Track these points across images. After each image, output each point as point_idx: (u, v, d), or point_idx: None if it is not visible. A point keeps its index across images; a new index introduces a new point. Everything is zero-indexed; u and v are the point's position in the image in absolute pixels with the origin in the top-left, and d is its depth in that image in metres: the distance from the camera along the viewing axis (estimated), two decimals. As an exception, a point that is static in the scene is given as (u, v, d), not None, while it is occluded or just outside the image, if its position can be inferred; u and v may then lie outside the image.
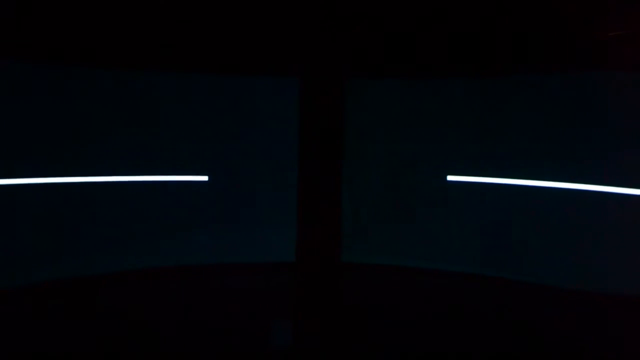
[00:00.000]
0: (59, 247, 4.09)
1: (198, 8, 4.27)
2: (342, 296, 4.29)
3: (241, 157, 4.53)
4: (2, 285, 3.88)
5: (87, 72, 4.13)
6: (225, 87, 4.46)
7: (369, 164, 4.63)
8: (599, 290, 4.00)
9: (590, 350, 3.42)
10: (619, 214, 3.96)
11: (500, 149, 4.36)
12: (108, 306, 3.87)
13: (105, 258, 4.25)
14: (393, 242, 4.63)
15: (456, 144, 4.46)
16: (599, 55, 4.01)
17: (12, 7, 3.91)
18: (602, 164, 4.03)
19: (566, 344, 3.47)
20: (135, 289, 4.19)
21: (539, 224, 4.24)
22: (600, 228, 4.01)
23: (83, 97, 4.16)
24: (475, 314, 3.94)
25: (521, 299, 4.16)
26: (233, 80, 4.46)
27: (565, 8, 4.06)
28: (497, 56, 4.28)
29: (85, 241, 4.20)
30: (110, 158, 4.25)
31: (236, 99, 4.49)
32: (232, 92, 4.48)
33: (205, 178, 4.48)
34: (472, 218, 4.45)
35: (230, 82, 4.46)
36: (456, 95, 4.43)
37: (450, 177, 4.52)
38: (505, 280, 4.32)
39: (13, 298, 3.83)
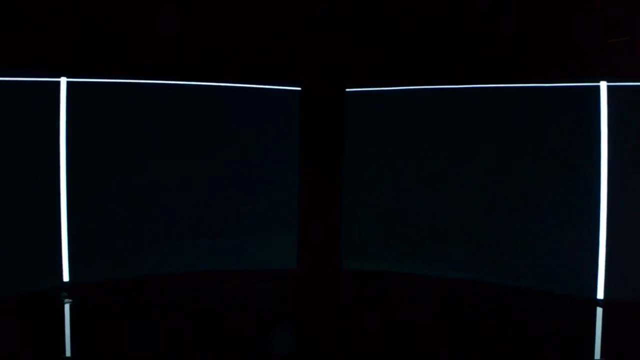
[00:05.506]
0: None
1: (206, 24, 4.42)
2: (344, 303, 4.30)
3: (243, 164, 4.60)
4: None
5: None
6: (229, 95, 4.56)
7: (370, 171, 4.68)
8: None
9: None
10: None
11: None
12: (113, 311, 3.92)
13: (107, 264, 4.35)
14: (394, 249, 4.67)
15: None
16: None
17: None
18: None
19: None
20: (136, 296, 4.21)
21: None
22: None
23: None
24: (476, 318, 3.98)
25: (524, 306, 4.20)
26: (237, 88, 4.55)
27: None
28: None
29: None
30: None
31: (239, 106, 4.58)
32: (235, 99, 4.57)
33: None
34: (471, 223, 4.51)
35: (234, 91, 4.55)
36: (454, 102, 4.51)
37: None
38: (508, 286, 4.36)
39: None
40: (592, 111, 4.08)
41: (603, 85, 4.06)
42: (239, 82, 4.55)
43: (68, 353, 3.30)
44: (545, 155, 4.26)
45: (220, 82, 4.51)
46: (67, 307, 3.96)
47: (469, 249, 4.51)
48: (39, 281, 4.12)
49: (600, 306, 4.05)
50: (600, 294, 4.08)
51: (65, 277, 4.21)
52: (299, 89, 4.59)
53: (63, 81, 4.11)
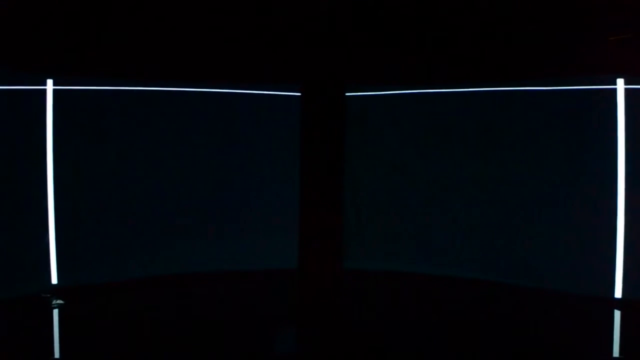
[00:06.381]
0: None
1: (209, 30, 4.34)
2: (344, 303, 4.26)
3: (245, 165, 4.56)
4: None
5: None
6: (231, 100, 4.54)
7: (370, 172, 4.65)
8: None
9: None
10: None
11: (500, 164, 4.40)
12: (113, 312, 3.83)
13: (106, 266, 4.23)
14: (395, 248, 4.62)
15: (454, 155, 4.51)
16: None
17: None
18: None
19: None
20: (137, 297, 4.14)
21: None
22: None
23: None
24: (476, 318, 3.89)
25: (522, 305, 4.13)
26: (238, 94, 4.54)
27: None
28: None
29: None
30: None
31: (239, 110, 4.55)
32: (235, 103, 4.54)
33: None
34: (472, 222, 4.45)
35: (235, 96, 4.53)
36: (453, 105, 4.49)
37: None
38: (507, 285, 4.30)
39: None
40: (608, 109, 4.04)
41: (620, 83, 4.02)
42: (240, 88, 4.53)
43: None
44: (561, 154, 4.20)
45: (220, 88, 4.50)
46: (56, 310, 3.79)
47: (479, 248, 4.42)
48: (26, 284, 3.96)
49: (619, 305, 3.95)
50: (618, 293, 3.98)
51: (54, 280, 4.04)
52: (299, 94, 4.59)
53: (49, 87, 4.01)
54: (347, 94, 4.65)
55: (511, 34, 4.30)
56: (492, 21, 4.33)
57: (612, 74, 4.02)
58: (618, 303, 3.96)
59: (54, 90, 4.03)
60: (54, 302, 3.84)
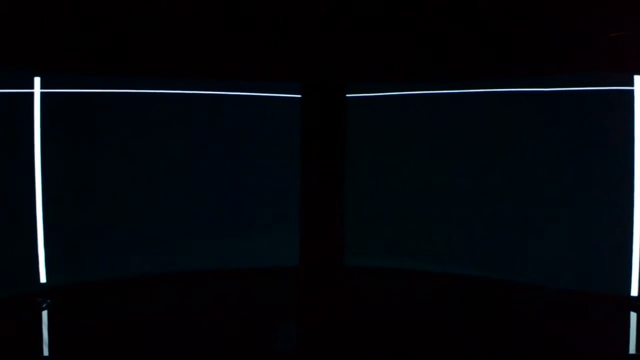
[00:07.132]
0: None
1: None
2: (346, 300, 4.19)
3: (245, 163, 4.58)
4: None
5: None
6: (231, 100, 4.57)
7: (371, 170, 4.63)
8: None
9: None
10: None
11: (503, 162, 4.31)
12: (108, 309, 3.82)
13: (107, 263, 4.22)
14: (396, 246, 4.58)
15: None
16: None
17: None
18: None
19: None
20: (138, 295, 4.14)
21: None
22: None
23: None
24: (477, 316, 3.77)
25: (532, 304, 3.99)
26: (239, 96, 4.58)
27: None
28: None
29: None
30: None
31: (237, 111, 4.58)
32: (234, 104, 4.57)
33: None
34: (471, 218, 4.36)
35: (234, 98, 4.58)
36: (455, 105, 4.43)
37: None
38: (509, 282, 4.19)
39: None
40: (623, 107, 3.91)
41: (637, 83, 3.86)
42: (241, 90, 4.56)
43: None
44: (574, 152, 4.07)
45: (220, 90, 4.53)
46: (45, 311, 3.78)
47: (483, 247, 4.32)
48: (13, 283, 3.93)
49: (635, 303, 3.77)
50: (634, 291, 3.79)
51: (43, 279, 4.01)
52: (299, 96, 4.58)
53: (37, 90, 4.04)
54: (347, 95, 4.64)
55: (511, 32, 4.23)
56: (494, 20, 4.30)
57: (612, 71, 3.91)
58: (634, 301, 3.77)
59: (42, 94, 4.05)
60: (44, 302, 3.83)
